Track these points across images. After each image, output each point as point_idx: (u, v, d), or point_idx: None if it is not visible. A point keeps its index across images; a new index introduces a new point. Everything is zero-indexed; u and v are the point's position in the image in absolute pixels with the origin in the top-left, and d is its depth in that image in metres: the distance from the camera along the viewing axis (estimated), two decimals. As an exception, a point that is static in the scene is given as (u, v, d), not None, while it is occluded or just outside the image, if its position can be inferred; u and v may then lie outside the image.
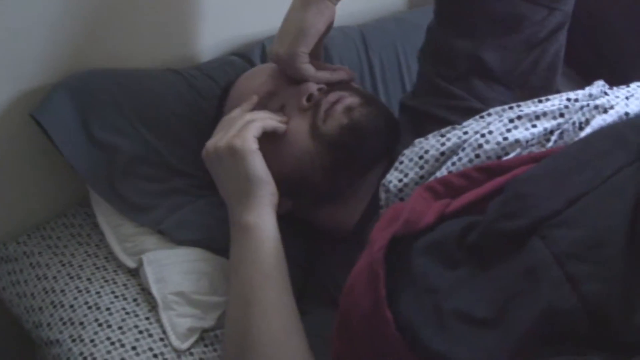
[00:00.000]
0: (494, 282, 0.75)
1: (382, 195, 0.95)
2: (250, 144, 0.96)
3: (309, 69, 1.02)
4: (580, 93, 0.95)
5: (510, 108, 0.94)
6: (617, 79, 1.05)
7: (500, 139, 0.90)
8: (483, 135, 0.91)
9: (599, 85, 0.98)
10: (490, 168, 0.87)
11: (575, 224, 0.73)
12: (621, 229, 0.70)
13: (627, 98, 0.93)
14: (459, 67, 1.03)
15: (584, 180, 0.75)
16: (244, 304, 0.91)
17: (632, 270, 0.68)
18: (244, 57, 1.28)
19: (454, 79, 1.03)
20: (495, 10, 1.00)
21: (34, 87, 1.10)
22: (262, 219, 0.95)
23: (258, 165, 0.97)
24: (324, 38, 1.07)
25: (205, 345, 1.01)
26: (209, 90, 1.20)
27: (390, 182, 0.94)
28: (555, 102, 0.94)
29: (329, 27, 1.05)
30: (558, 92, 1.00)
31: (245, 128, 0.98)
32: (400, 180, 0.94)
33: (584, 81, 1.02)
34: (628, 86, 0.97)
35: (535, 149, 0.90)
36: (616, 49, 1.30)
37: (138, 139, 1.12)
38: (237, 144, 0.96)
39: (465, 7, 1.02)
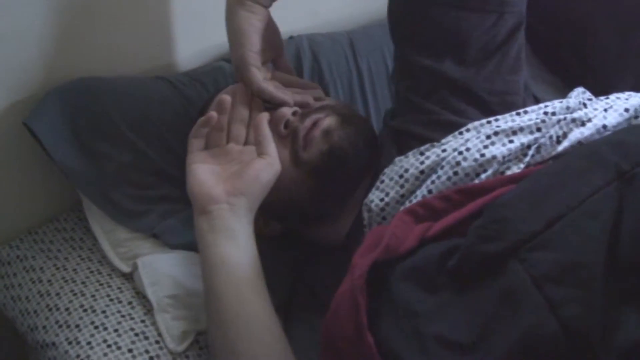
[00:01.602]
0: (473, 306, 0.75)
1: (365, 214, 0.96)
2: (187, 160, 0.99)
3: (255, 74, 1.00)
4: (557, 106, 0.95)
5: (488, 122, 0.95)
6: (601, 85, 1.06)
7: (477, 155, 0.91)
8: (461, 153, 0.92)
9: (578, 94, 0.98)
10: (469, 190, 0.87)
11: (554, 246, 0.73)
12: (599, 251, 0.70)
13: (605, 110, 0.93)
14: (426, 83, 1.02)
15: (562, 202, 0.75)
16: (207, 316, 0.94)
17: (611, 292, 0.69)
18: (233, 62, 1.29)
19: (425, 94, 1.02)
20: (444, 25, 1.00)
21: (25, 95, 1.11)
22: (196, 231, 0.95)
23: (187, 181, 0.97)
24: (280, 48, 1.10)
25: (200, 348, 1.02)
26: (197, 96, 1.20)
27: (372, 201, 0.95)
28: (532, 115, 0.94)
29: (273, 32, 1.07)
30: (538, 100, 1.02)
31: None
32: (381, 200, 0.95)
33: (568, 88, 1.03)
34: (607, 97, 0.97)
35: (513, 164, 0.91)
36: (599, 55, 1.32)
37: (129, 146, 1.12)
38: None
39: (415, 25, 1.02)
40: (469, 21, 0.99)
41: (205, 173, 0.97)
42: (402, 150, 0.99)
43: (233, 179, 0.96)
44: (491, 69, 1.00)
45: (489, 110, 0.99)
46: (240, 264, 0.92)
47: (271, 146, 0.98)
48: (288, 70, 1.15)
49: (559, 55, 1.36)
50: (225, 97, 1.00)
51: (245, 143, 1.01)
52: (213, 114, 0.98)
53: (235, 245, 0.93)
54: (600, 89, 1.02)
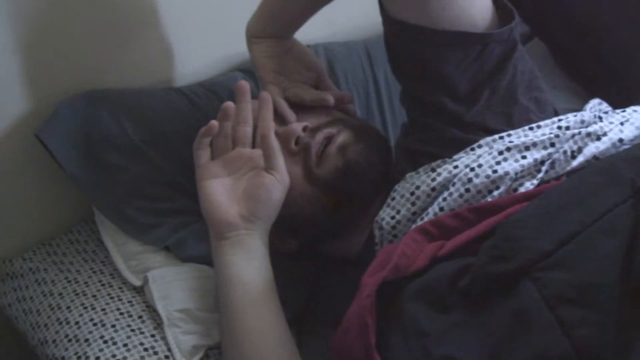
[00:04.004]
0: (484, 326, 0.74)
1: (376, 232, 0.95)
2: (197, 176, 1.00)
3: (270, 89, 1.06)
4: (572, 120, 0.92)
5: (501, 138, 0.93)
6: (624, 93, 1.04)
7: (489, 172, 0.89)
8: (472, 169, 0.90)
9: (594, 105, 0.96)
10: (482, 208, 0.86)
11: (567, 266, 0.71)
12: (614, 270, 0.68)
13: (621, 124, 0.91)
14: (428, 106, 0.99)
15: (575, 219, 0.73)
16: (221, 332, 0.96)
17: (625, 312, 0.67)
18: (247, 72, 1.28)
19: (430, 115, 0.99)
20: (431, 64, 0.95)
21: (38, 107, 1.11)
22: (213, 251, 0.97)
23: (201, 201, 0.98)
24: (317, 70, 1.13)
25: (210, 363, 1.01)
26: (211, 107, 1.19)
27: (383, 219, 0.94)
28: (546, 130, 0.92)
29: (298, 55, 1.11)
30: (557, 113, 0.99)
31: None
32: (392, 218, 0.94)
33: (591, 96, 1.01)
34: (624, 110, 0.95)
35: (526, 180, 0.89)
36: (624, 62, 1.29)
37: (141, 158, 1.12)
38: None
39: (406, 60, 0.99)
40: (452, 55, 0.93)
41: (218, 193, 0.97)
42: (416, 167, 0.97)
43: (246, 201, 0.96)
44: (481, 105, 0.96)
45: (493, 131, 0.95)
46: (256, 282, 0.94)
47: (280, 161, 0.97)
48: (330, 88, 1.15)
49: (581, 62, 1.33)
50: (229, 104, 1.00)
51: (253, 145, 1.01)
52: (214, 122, 0.99)
53: (252, 265, 0.95)
54: (624, 96, 0.99)
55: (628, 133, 0.89)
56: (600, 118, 0.93)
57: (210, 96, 1.21)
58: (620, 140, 0.88)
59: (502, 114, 0.96)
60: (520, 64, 0.96)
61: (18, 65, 1.07)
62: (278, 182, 0.96)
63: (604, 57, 1.31)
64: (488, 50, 0.93)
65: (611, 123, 0.91)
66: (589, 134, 0.89)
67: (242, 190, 0.98)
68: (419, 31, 0.92)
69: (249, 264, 0.94)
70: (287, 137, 1.01)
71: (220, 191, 0.98)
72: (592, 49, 1.30)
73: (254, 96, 1.06)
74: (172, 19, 1.20)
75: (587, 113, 0.94)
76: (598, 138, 0.89)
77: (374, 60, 1.34)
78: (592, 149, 0.88)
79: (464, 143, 0.94)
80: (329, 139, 1.01)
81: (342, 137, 1.01)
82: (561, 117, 0.94)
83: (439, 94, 0.96)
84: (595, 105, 0.97)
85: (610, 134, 0.89)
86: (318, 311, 1.08)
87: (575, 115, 0.93)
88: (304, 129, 1.02)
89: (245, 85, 1.02)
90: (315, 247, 1.09)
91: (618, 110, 0.95)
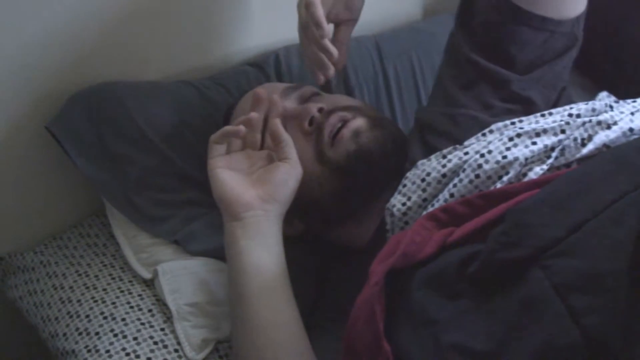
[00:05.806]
0: (494, 314, 0.73)
1: (388, 219, 0.94)
2: (210, 166, 0.97)
3: (319, 6, 1.01)
4: (582, 108, 0.92)
5: (512, 124, 0.93)
6: (634, 92, 1.03)
7: (499, 157, 0.89)
8: (482, 155, 0.90)
9: (603, 98, 0.96)
10: (492, 195, 0.85)
11: (576, 253, 0.70)
12: (623, 258, 0.67)
13: (632, 113, 0.90)
14: (469, 75, 1.02)
15: (585, 207, 0.73)
16: (233, 323, 0.94)
17: (635, 301, 0.66)
18: (257, 67, 1.28)
19: (463, 86, 1.02)
20: (502, 37, 1.00)
21: (49, 100, 1.11)
22: (228, 237, 0.95)
23: (214, 187, 0.96)
24: (354, 16, 1.09)
25: (220, 357, 1.01)
26: (221, 100, 1.20)
27: (394, 206, 0.94)
28: (556, 117, 0.92)
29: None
30: (571, 102, 0.99)
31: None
32: (403, 204, 0.93)
33: (601, 91, 1.00)
34: (634, 101, 0.94)
35: (536, 165, 0.89)
36: (635, 58, 1.29)
37: (152, 150, 1.12)
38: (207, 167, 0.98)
39: (478, 24, 1.02)
40: (522, 36, 0.98)
41: (231, 178, 0.96)
42: (427, 154, 0.97)
43: (262, 185, 0.95)
44: (533, 77, 1.00)
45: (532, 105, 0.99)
46: (273, 271, 0.92)
47: (293, 152, 0.97)
48: (341, 46, 1.10)
49: (593, 60, 1.33)
50: (254, 115, 0.98)
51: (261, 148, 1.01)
52: (242, 128, 0.96)
53: (268, 252, 0.93)
54: (633, 91, 0.99)
55: (638, 122, 0.89)
56: (611, 107, 0.93)
57: (221, 90, 1.22)
58: (631, 129, 0.88)
59: (544, 93, 1.00)
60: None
61: (27, 59, 1.07)
62: (292, 169, 0.96)
63: (616, 53, 1.31)
64: (553, 39, 0.98)
65: (622, 112, 0.91)
66: (599, 122, 0.89)
67: (256, 176, 0.97)
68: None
69: (264, 252, 0.92)
70: (301, 116, 1.01)
71: (234, 177, 0.96)
72: (604, 47, 1.30)
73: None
74: (182, 13, 1.20)
75: (598, 102, 0.94)
76: (608, 127, 0.89)
77: (384, 55, 1.34)
78: (603, 137, 0.88)
79: (478, 123, 0.95)
80: (343, 122, 1.00)
81: (357, 122, 1.00)
82: (572, 105, 0.94)
83: (496, 61, 1.00)
84: (604, 97, 0.97)
85: (620, 123, 0.89)
86: (326, 305, 1.08)
87: (587, 104, 0.93)
88: (319, 110, 1.02)
89: (262, 93, 1.00)
90: (322, 232, 1.09)
91: (628, 100, 0.95)
